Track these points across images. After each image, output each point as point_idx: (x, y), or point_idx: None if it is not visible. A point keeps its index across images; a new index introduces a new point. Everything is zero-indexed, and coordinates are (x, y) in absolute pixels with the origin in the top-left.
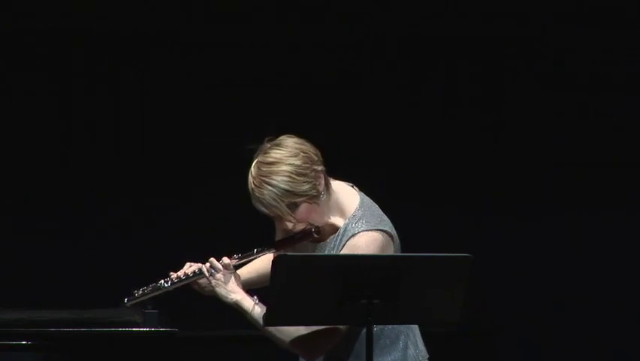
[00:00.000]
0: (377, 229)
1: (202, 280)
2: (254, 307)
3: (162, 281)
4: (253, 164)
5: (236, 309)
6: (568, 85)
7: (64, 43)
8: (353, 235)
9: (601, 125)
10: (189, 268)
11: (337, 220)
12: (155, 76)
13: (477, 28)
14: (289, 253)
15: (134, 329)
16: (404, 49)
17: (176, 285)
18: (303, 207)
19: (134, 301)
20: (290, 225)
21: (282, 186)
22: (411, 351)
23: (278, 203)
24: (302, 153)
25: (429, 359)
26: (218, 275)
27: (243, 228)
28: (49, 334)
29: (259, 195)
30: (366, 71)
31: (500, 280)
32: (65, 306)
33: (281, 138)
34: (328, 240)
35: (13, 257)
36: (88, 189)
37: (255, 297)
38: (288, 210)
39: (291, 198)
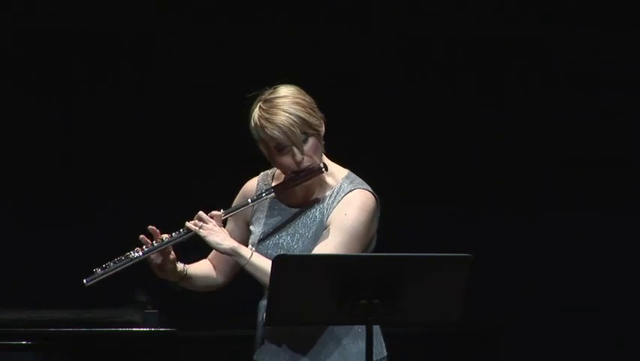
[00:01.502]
0: (370, 191)
1: (156, 257)
2: (252, 254)
3: (131, 252)
4: (259, 102)
5: (232, 255)
6: (568, 85)
7: (64, 43)
8: (350, 191)
9: (601, 125)
10: (157, 233)
11: (330, 181)
12: (155, 76)
13: (477, 28)
14: (289, 254)
15: (134, 329)
16: (404, 49)
17: (150, 252)
18: (312, 142)
19: (95, 280)
20: (299, 156)
21: (298, 113)
22: (379, 337)
23: (294, 128)
24: (308, 96)
25: (387, 357)
26: (209, 225)
27: None
28: (49, 334)
29: (277, 121)
30: (366, 71)
31: (500, 280)
32: (65, 306)
33: (280, 84)
34: (319, 198)
35: (13, 257)
36: (88, 188)
37: (250, 246)
38: (301, 140)
39: (305, 128)
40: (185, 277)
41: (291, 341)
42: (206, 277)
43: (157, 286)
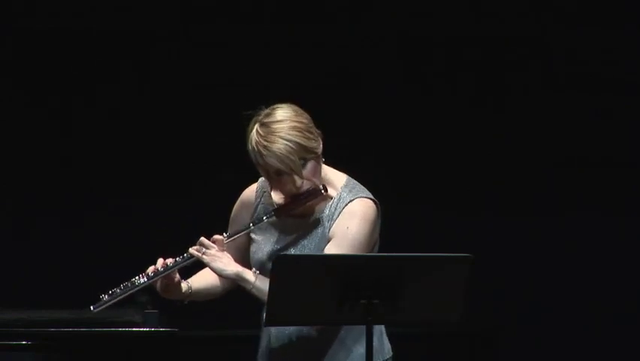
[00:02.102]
0: (370, 198)
1: (161, 281)
2: (256, 278)
3: (137, 277)
4: (256, 125)
5: (236, 281)
6: (568, 85)
7: (64, 43)
8: (350, 201)
9: (601, 125)
10: (163, 261)
11: (330, 190)
12: (155, 76)
13: (477, 28)
14: (289, 254)
15: (134, 329)
16: (403, 49)
17: (155, 277)
18: (310, 165)
19: (102, 307)
20: (298, 182)
21: (296, 140)
22: (384, 338)
23: (293, 156)
24: (304, 114)
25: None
26: (212, 251)
27: None
28: (49, 334)
29: (275, 150)
30: (366, 71)
31: (500, 280)
32: (65, 306)
33: (277, 105)
34: (319, 210)
35: (13, 257)
36: (88, 188)
37: (254, 269)
38: (300, 167)
39: (303, 154)
40: (191, 293)
41: (295, 343)
42: (210, 288)
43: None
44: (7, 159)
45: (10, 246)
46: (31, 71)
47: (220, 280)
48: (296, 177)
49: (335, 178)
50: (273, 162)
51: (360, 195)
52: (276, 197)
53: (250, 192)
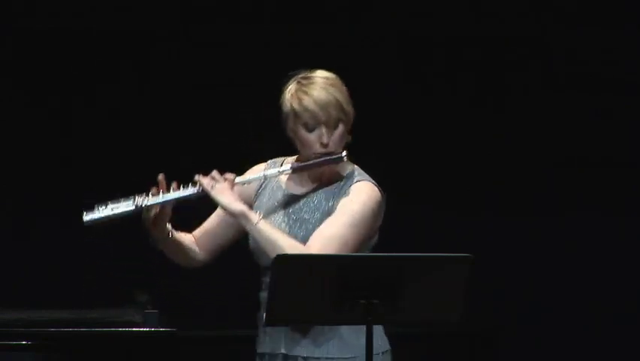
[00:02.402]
0: (377, 186)
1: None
2: (259, 220)
3: (137, 196)
4: (296, 79)
5: (239, 218)
6: (568, 85)
7: (64, 43)
8: (358, 181)
9: (601, 125)
10: (163, 178)
11: (340, 171)
12: (155, 76)
13: (477, 28)
14: (289, 254)
15: (134, 329)
16: (403, 49)
17: (158, 203)
18: (341, 129)
19: (94, 220)
20: (326, 138)
21: (336, 95)
22: (380, 332)
23: (331, 108)
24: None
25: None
26: (220, 185)
27: None
28: (49, 334)
29: (315, 95)
30: (366, 71)
31: (500, 280)
32: (65, 306)
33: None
34: (326, 188)
35: (13, 257)
36: (88, 188)
37: (259, 211)
38: (334, 121)
39: (339, 112)
40: (169, 238)
41: (288, 329)
42: (187, 250)
43: (157, 286)
44: (7, 159)
45: (10, 246)
46: (31, 71)
47: (199, 246)
48: (325, 131)
49: (346, 163)
50: (311, 106)
51: (369, 180)
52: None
53: (258, 168)
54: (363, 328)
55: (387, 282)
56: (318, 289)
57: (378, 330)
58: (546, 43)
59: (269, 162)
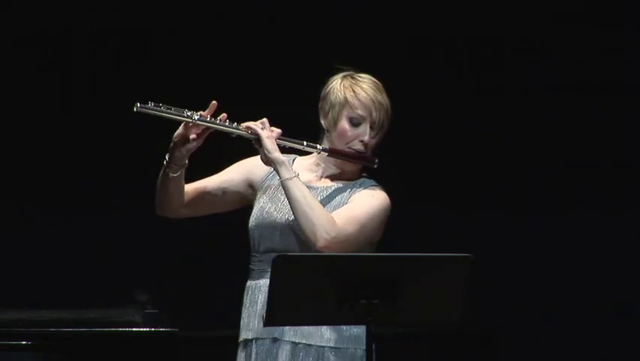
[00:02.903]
0: (387, 195)
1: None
2: (296, 176)
3: (187, 111)
4: (346, 74)
5: (276, 165)
6: (568, 85)
7: (64, 43)
8: (373, 186)
9: (601, 125)
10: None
11: (355, 175)
12: (155, 75)
13: (477, 28)
14: (289, 253)
15: (134, 329)
16: (403, 49)
17: (205, 122)
18: (380, 137)
19: (144, 109)
20: (368, 137)
21: (386, 102)
22: None
23: (382, 109)
24: None
25: None
26: (268, 132)
27: (244, 227)
28: (49, 334)
29: (370, 92)
30: (366, 71)
31: (500, 280)
32: (65, 306)
33: None
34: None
35: (13, 257)
36: (88, 188)
37: (295, 170)
38: (380, 125)
39: (386, 119)
40: (181, 170)
41: None
42: (180, 195)
43: (157, 286)
44: (8, 159)
45: (10, 246)
46: (32, 71)
47: (186, 196)
48: (369, 131)
49: (360, 172)
50: (364, 99)
51: (381, 187)
52: (300, 166)
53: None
54: None
55: (387, 282)
56: (318, 290)
57: None
58: (546, 43)
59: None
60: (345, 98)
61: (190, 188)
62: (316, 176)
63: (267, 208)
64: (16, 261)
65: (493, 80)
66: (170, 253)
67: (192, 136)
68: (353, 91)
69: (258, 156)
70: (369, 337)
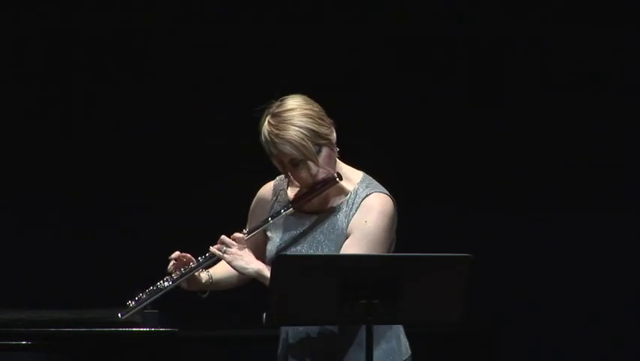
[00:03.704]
0: (387, 194)
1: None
2: None
3: (161, 282)
4: (268, 116)
5: (256, 278)
6: (568, 85)
7: (64, 43)
8: (367, 196)
9: (601, 126)
10: (180, 258)
11: (346, 185)
12: (155, 75)
13: (477, 28)
14: (289, 253)
15: (134, 329)
16: (404, 49)
17: (179, 280)
18: (325, 152)
19: (129, 313)
20: (314, 169)
21: (308, 126)
22: (403, 338)
23: (306, 142)
24: (315, 103)
25: (411, 356)
26: (233, 249)
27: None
28: (49, 334)
29: (288, 137)
30: (367, 71)
31: (500, 280)
32: (65, 306)
33: (286, 96)
34: (336, 206)
35: (13, 257)
36: (88, 189)
37: (268, 256)
38: (314, 153)
39: (316, 139)
40: (212, 283)
41: (312, 340)
42: (229, 277)
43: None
44: (8, 160)
45: (11, 246)
46: (32, 71)
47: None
48: (311, 164)
49: (351, 174)
50: (287, 149)
51: (377, 190)
52: (292, 193)
53: (267, 190)
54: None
55: (387, 282)
56: (318, 290)
57: (397, 334)
58: (546, 43)
59: (277, 179)
60: (272, 151)
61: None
62: (312, 204)
63: (277, 245)
64: (16, 261)
65: (493, 80)
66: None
67: (184, 286)
68: (274, 143)
69: (256, 195)
70: (370, 337)
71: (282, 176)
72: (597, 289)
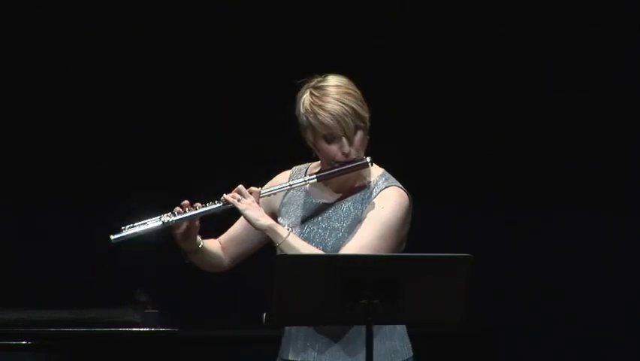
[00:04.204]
0: (405, 191)
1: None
2: (289, 234)
3: (163, 215)
4: (309, 89)
5: (268, 232)
6: (568, 85)
7: (65, 43)
8: (386, 187)
9: (601, 126)
10: (189, 203)
11: (366, 176)
12: (155, 75)
13: (477, 28)
14: (289, 254)
15: (134, 329)
16: (403, 49)
17: (182, 218)
18: (360, 135)
19: (122, 238)
20: (347, 148)
21: (351, 104)
22: (406, 338)
23: (348, 118)
24: (356, 87)
25: (413, 357)
26: (247, 200)
27: None
28: (49, 334)
29: (330, 109)
30: (367, 70)
31: (500, 280)
32: (65, 306)
33: (328, 74)
34: (353, 194)
35: (13, 257)
36: (88, 188)
37: (287, 225)
38: (353, 131)
39: (356, 120)
40: (199, 249)
41: (315, 337)
42: (215, 256)
43: (157, 286)
44: (8, 160)
45: (11, 246)
46: (31, 71)
47: (224, 253)
48: (345, 141)
49: (373, 168)
50: (327, 121)
51: (396, 184)
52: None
53: (283, 177)
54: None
55: (387, 282)
56: (318, 290)
57: (400, 334)
58: (546, 43)
59: (294, 169)
60: (310, 123)
61: (223, 240)
62: (327, 188)
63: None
64: (16, 261)
65: (493, 81)
66: (170, 253)
67: (183, 228)
68: (314, 114)
69: (271, 181)
70: (370, 337)
71: (300, 166)
72: (597, 289)
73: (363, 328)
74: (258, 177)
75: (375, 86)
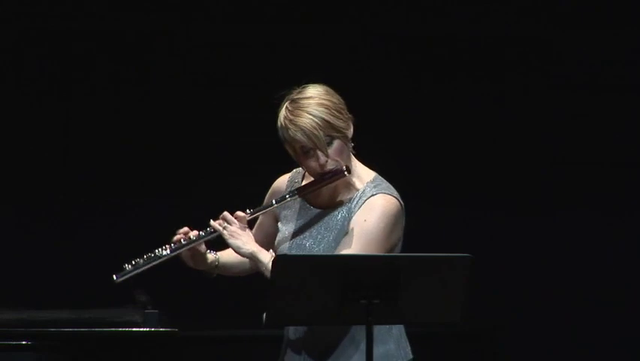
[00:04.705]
0: (394, 196)
1: (185, 253)
2: (270, 260)
3: (159, 250)
4: (287, 102)
5: (251, 260)
6: (569, 85)
7: (65, 44)
8: (372, 195)
9: (601, 125)
10: (187, 233)
11: (356, 183)
12: (156, 75)
13: (477, 28)
14: (289, 254)
15: (134, 329)
16: (403, 49)
17: (178, 250)
18: (337, 145)
19: (124, 277)
20: (322, 159)
21: (322, 116)
22: (403, 341)
23: (317, 132)
24: (336, 95)
25: (413, 359)
26: (232, 227)
27: None
28: (49, 334)
29: (300, 124)
30: (366, 70)
31: (500, 279)
32: (65, 306)
33: (309, 84)
34: (343, 202)
35: (13, 257)
36: (88, 189)
37: (271, 250)
38: (325, 143)
39: (329, 131)
40: (217, 266)
41: (310, 345)
42: (235, 265)
43: (157, 286)
44: (8, 160)
45: (11, 246)
46: (31, 71)
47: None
48: (320, 154)
49: (363, 173)
50: (298, 136)
51: (384, 191)
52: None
53: (281, 182)
54: (377, 338)
55: (387, 282)
56: (318, 290)
57: (396, 337)
58: (546, 43)
59: (293, 171)
60: (284, 137)
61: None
62: (321, 195)
63: (284, 238)
64: (16, 261)
65: (493, 81)
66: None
67: (189, 256)
68: (286, 128)
69: (272, 186)
70: (370, 337)
71: (299, 169)
72: (597, 289)
73: (356, 334)
74: (259, 177)
75: (373, 86)
